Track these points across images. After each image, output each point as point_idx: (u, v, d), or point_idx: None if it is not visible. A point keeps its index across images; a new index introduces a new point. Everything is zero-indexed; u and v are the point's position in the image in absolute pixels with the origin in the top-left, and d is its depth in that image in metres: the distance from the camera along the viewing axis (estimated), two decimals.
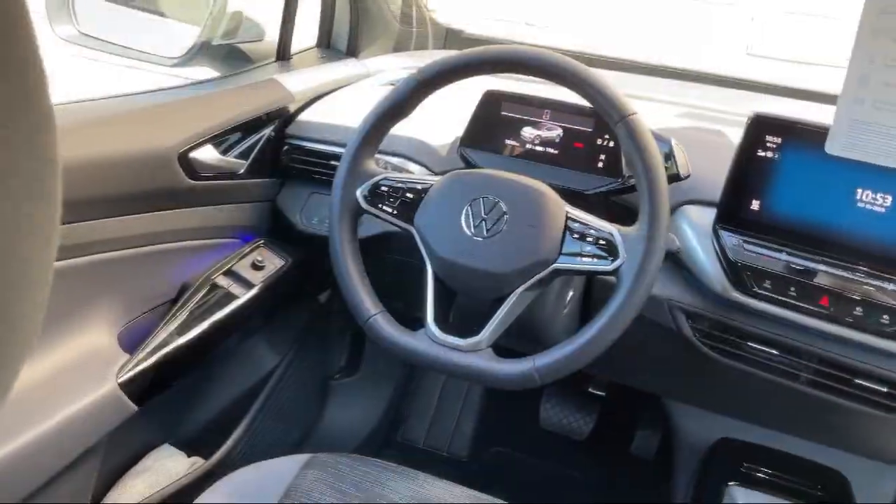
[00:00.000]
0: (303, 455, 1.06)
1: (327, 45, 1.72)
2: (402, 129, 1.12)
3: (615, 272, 0.93)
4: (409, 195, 1.04)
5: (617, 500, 1.74)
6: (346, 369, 1.86)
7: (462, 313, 1.02)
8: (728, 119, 1.27)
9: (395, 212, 1.04)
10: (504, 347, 0.99)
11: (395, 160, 1.29)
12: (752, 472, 1.29)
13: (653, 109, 1.22)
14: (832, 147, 0.94)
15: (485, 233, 0.97)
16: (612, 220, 0.97)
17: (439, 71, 1.02)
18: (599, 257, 0.94)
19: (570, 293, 1.18)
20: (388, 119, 1.06)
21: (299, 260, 1.43)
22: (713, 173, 1.08)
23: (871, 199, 0.98)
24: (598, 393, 1.82)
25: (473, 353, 0.96)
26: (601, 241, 0.94)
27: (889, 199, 0.97)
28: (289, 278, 1.41)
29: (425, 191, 1.03)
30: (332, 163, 1.33)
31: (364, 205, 1.05)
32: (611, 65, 1.77)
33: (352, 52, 1.72)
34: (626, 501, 1.73)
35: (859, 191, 0.98)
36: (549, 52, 0.97)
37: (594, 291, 1.21)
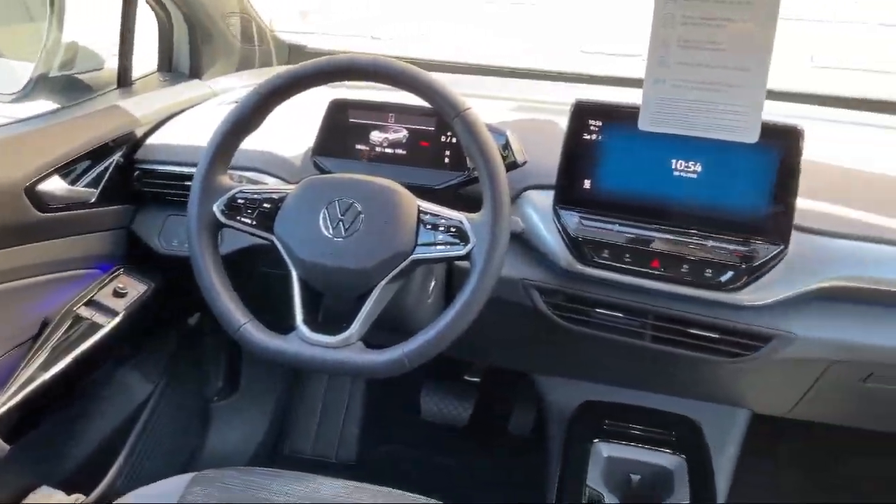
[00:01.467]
0: (187, 474, 1.05)
1: (168, 69, 1.72)
2: (255, 143, 1.15)
3: (468, 256, 0.99)
4: (266, 205, 1.06)
5: (499, 479, 1.82)
6: (225, 390, 1.86)
7: (330, 312, 1.05)
8: (560, 110, 1.35)
9: (254, 223, 1.06)
10: (378, 345, 1.03)
11: (250, 174, 1.32)
12: (614, 428, 1.39)
13: (488, 105, 1.30)
14: (643, 123, 1.06)
15: (343, 233, 1.01)
16: (462, 210, 1.03)
17: (279, 84, 1.05)
18: (452, 244, 1.00)
19: (433, 283, 1.24)
20: (235, 134, 1.08)
21: (162, 284, 1.43)
22: (549, 159, 1.17)
23: (684, 168, 1.09)
24: (474, 380, 1.90)
25: (345, 348, 1.00)
26: (452, 229, 1.00)
27: (699, 165, 1.09)
28: (153, 303, 1.40)
29: (282, 200, 1.06)
30: (186, 183, 1.31)
31: (222, 219, 1.06)
32: (449, 68, 1.84)
33: (195, 73, 1.73)
34: (508, 478, 1.81)
35: (674, 161, 1.10)
36: (384, 57, 1.03)
37: (454, 280, 1.28)
